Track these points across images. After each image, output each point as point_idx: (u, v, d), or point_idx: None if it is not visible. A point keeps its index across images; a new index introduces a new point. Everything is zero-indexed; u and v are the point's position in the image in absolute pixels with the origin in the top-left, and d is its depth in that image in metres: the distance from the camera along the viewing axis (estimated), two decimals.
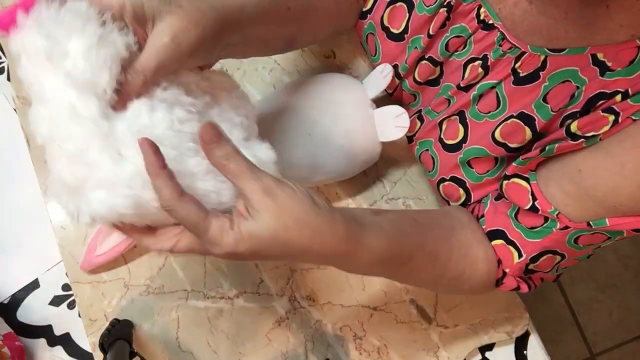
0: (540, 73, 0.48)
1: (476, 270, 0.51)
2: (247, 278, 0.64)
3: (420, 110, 0.61)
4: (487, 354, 0.64)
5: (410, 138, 0.62)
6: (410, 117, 0.59)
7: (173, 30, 0.39)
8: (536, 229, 0.49)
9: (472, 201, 0.57)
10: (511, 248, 0.51)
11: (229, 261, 0.37)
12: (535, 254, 0.50)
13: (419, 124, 0.60)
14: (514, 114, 0.50)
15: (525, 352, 0.64)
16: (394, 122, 0.58)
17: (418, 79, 0.59)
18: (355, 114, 0.59)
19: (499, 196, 0.53)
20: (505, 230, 0.51)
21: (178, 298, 0.63)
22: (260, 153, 0.42)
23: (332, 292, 0.64)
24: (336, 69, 0.71)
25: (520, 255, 0.50)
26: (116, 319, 0.60)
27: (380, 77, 0.60)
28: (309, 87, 0.61)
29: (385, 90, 0.63)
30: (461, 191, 0.56)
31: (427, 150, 0.59)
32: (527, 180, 0.49)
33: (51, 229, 0.65)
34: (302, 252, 0.38)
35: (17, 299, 0.64)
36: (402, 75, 0.61)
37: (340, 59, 0.72)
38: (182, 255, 0.38)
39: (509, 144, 0.51)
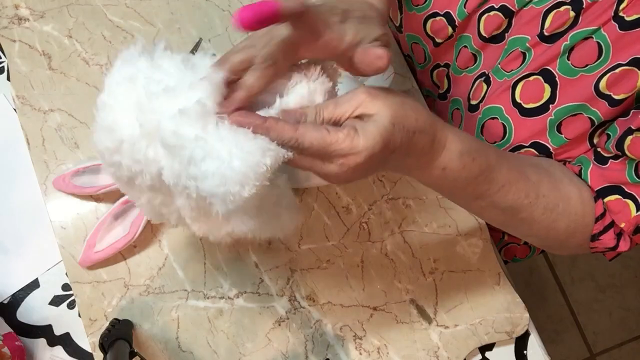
0: None
1: (570, 206, 0.47)
2: (247, 278, 0.64)
3: (484, 74, 0.55)
4: (487, 354, 0.64)
5: (474, 106, 0.56)
6: (474, 83, 0.54)
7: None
8: None
9: None
10: (629, 201, 0.47)
11: (353, 178, 0.38)
12: None
13: (485, 87, 0.54)
14: (623, 62, 0.45)
15: (525, 352, 0.64)
16: None
17: (484, 34, 0.53)
18: None
19: (602, 158, 0.49)
20: (622, 186, 0.47)
21: (178, 298, 0.63)
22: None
23: (332, 292, 0.64)
24: None
25: (638, 209, 0.46)
26: (116, 319, 0.60)
27: (382, 78, 0.60)
28: None
29: (433, 38, 0.57)
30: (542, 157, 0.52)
31: (496, 118, 0.53)
32: None
33: (51, 229, 0.65)
34: (415, 131, 0.38)
35: (17, 299, 0.64)
36: (457, 23, 0.55)
37: None
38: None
39: (614, 96, 0.46)
